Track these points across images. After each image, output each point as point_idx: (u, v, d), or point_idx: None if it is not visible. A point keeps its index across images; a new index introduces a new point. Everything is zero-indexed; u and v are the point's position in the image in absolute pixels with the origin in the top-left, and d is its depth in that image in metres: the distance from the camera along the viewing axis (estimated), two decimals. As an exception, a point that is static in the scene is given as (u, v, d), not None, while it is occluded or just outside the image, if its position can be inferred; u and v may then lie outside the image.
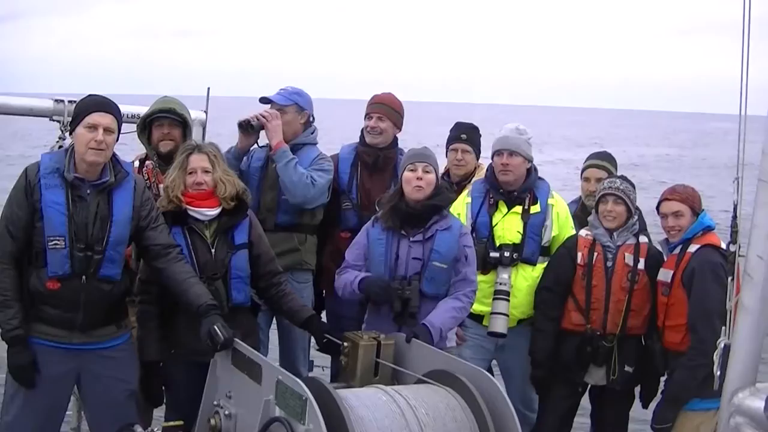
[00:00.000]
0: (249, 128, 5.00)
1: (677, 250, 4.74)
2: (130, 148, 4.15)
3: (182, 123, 4.76)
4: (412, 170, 4.41)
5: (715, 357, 2.47)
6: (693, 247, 4.63)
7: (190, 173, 4.24)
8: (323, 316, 5.37)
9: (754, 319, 2.30)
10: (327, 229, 5.30)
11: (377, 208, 4.59)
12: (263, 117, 4.98)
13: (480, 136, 5.61)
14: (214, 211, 4.25)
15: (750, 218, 2.41)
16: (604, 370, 4.87)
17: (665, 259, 4.85)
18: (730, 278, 2.53)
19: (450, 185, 5.16)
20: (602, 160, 5.76)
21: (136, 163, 4.78)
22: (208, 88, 5.36)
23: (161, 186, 4.65)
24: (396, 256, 4.39)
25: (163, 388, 4.35)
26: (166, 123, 4.73)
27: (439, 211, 4.45)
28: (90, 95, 4.05)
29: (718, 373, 2.41)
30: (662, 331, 4.74)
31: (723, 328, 2.47)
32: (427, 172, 4.41)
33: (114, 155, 4.02)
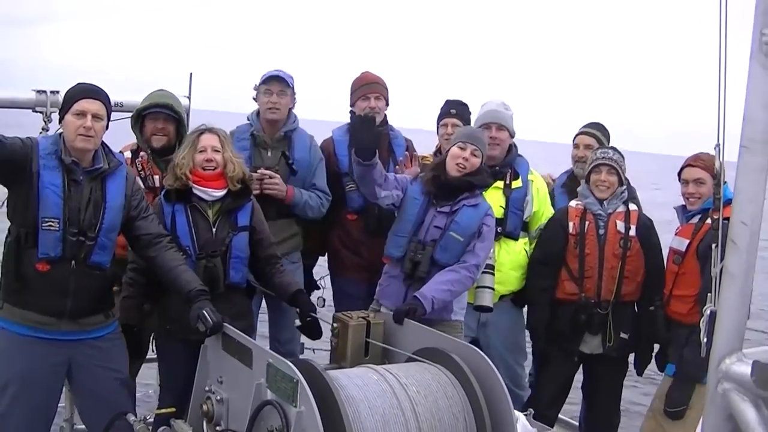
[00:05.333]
0: None
1: (695, 220, 4.74)
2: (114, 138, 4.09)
3: (177, 119, 4.74)
4: (461, 148, 4.51)
5: (701, 324, 2.48)
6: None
7: (201, 151, 4.27)
8: (330, 296, 5.49)
9: (739, 286, 2.30)
10: (333, 213, 5.34)
11: (420, 168, 4.68)
12: (263, 183, 4.95)
13: (470, 113, 5.59)
14: (220, 192, 4.28)
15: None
16: (599, 338, 4.92)
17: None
18: (714, 245, 2.53)
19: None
20: (594, 129, 5.78)
21: (127, 154, 4.74)
22: (191, 74, 5.32)
23: (156, 177, 4.64)
24: (422, 220, 4.47)
25: (158, 364, 4.46)
26: (161, 117, 4.71)
27: (471, 189, 4.52)
28: (79, 83, 4.03)
29: (705, 340, 2.42)
30: (668, 299, 4.75)
31: (709, 295, 2.47)
32: (475, 155, 4.50)
33: (104, 144, 4.01)
